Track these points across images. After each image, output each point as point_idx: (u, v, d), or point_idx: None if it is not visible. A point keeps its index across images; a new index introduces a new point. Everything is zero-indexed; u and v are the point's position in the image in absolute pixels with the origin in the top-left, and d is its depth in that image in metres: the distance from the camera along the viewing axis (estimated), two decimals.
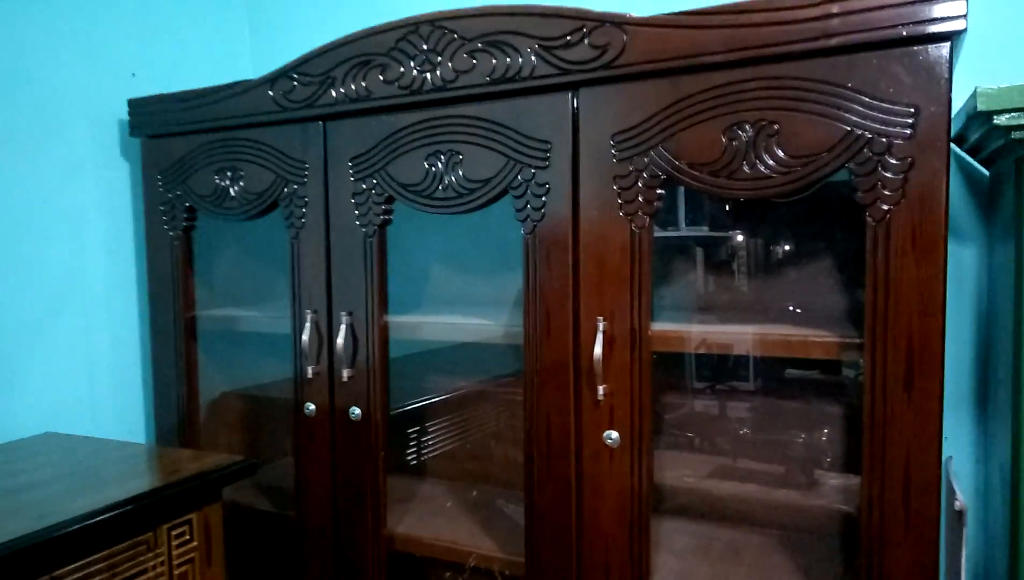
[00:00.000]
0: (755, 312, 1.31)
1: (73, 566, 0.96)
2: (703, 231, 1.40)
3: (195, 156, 1.45)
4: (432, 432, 1.70)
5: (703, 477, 1.42)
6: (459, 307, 1.48)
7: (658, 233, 1.17)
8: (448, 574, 1.64)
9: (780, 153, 0.97)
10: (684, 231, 1.39)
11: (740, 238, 1.37)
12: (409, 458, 1.68)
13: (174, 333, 1.54)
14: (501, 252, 1.52)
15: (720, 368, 1.40)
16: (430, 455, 1.69)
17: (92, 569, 0.99)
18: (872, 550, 0.97)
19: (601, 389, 1.11)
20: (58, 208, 1.48)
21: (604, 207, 1.08)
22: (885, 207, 0.92)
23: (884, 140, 0.92)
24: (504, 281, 1.50)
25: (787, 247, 1.33)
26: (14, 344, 1.41)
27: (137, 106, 1.50)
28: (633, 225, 1.07)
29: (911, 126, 0.90)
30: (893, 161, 0.91)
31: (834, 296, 1.30)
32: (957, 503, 1.00)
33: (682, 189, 1.34)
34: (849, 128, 0.93)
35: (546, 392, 1.16)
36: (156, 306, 1.56)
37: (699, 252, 1.40)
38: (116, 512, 1.00)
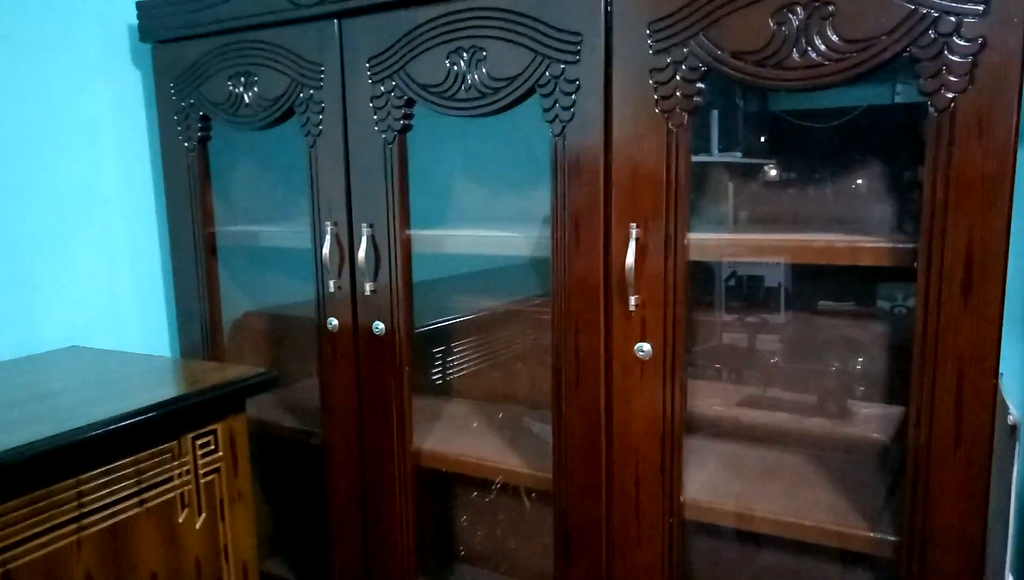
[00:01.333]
0: (797, 224, 1.25)
1: (98, 470, 0.96)
2: (736, 157, 1.33)
3: (208, 61, 1.39)
4: (458, 352, 1.67)
5: (733, 406, 1.38)
6: (484, 223, 1.43)
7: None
8: (475, 493, 1.64)
9: (834, 37, 0.88)
10: (717, 157, 1.32)
11: (773, 166, 1.30)
12: (435, 378, 1.66)
13: (194, 248, 1.51)
14: (529, 164, 1.45)
15: (751, 298, 1.35)
16: (456, 375, 1.67)
17: (117, 475, 0.98)
18: (918, 468, 0.92)
19: (633, 300, 1.06)
20: (70, 118, 1.43)
21: (639, 104, 1.01)
22: (950, 95, 0.84)
23: (952, 19, 0.83)
24: (532, 195, 1.44)
25: (824, 170, 1.26)
26: (34, 257, 1.39)
27: (146, 8, 1.43)
28: (670, 123, 0.99)
29: (984, 1, 0.81)
30: (961, 43, 0.82)
31: (879, 210, 1.22)
32: (1010, 417, 0.95)
33: (715, 114, 1.27)
34: (913, 6, 0.84)
35: (574, 304, 1.11)
36: (175, 220, 1.53)
37: (734, 177, 1.33)
38: (140, 418, 0.99)
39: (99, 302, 1.51)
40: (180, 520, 1.08)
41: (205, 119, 1.44)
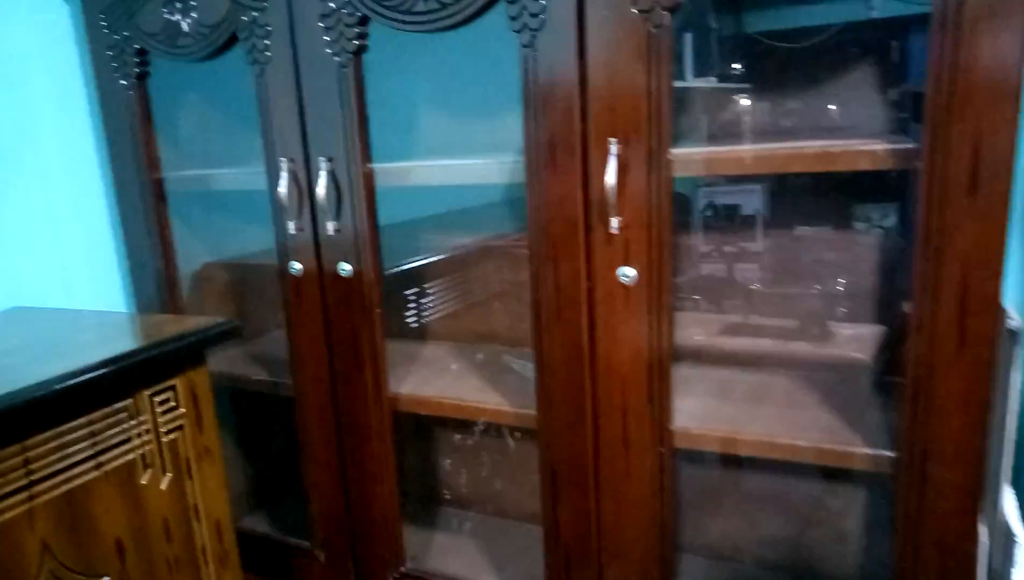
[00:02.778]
0: (786, 136, 1.18)
1: (47, 434, 0.88)
2: (712, 82, 1.26)
3: None
4: (432, 294, 1.60)
5: (716, 335, 1.33)
6: (453, 153, 1.34)
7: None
8: (458, 436, 1.59)
9: None
10: (692, 82, 1.25)
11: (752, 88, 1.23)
12: (409, 321, 1.60)
13: (141, 196, 1.41)
14: (498, 85, 1.36)
15: (728, 226, 1.29)
16: (431, 318, 1.60)
17: (69, 438, 0.91)
18: (919, 378, 0.88)
19: (615, 222, 0.99)
20: None
21: (615, 4, 0.92)
22: None
23: None
24: (504, 121, 1.35)
25: (805, 89, 1.19)
26: None
27: None
28: (650, 24, 0.91)
29: None
30: None
31: (867, 119, 1.16)
32: (1011, 321, 0.91)
33: (691, 37, 1.20)
34: None
35: (553, 231, 1.04)
36: (118, 166, 1.42)
37: (713, 100, 1.26)
38: (90, 376, 0.91)
39: (43, 258, 1.41)
40: (143, 482, 1.01)
41: (142, 53, 1.33)
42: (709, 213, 1.33)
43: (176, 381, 1.05)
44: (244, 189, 1.36)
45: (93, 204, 1.49)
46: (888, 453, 0.96)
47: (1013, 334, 0.91)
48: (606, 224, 1.00)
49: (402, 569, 1.36)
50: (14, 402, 0.84)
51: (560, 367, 1.09)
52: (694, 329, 1.34)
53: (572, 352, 1.08)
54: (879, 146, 0.89)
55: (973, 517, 0.90)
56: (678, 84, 1.22)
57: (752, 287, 1.32)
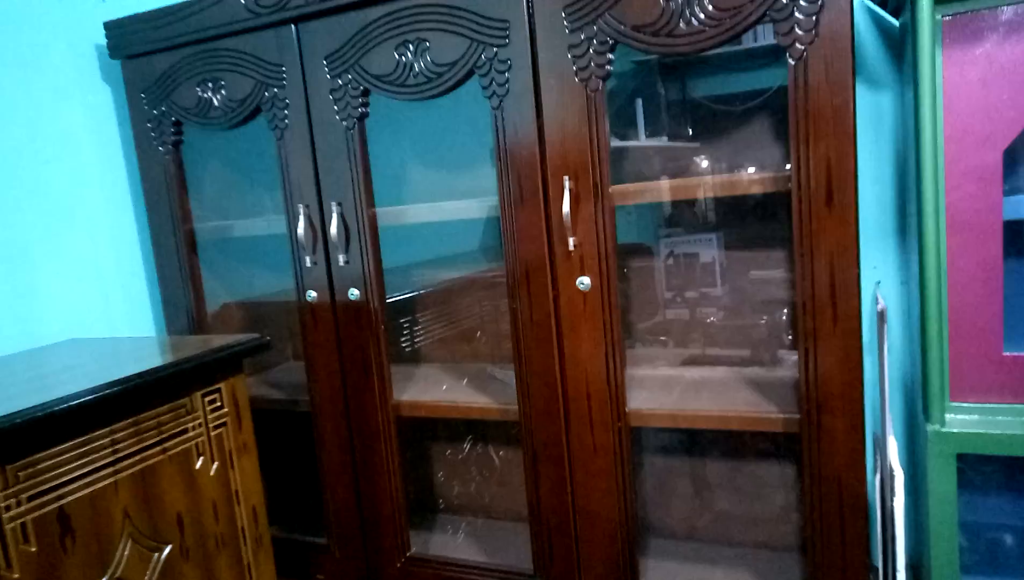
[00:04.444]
0: (706, 173, 1.46)
1: (127, 421, 1.11)
2: (663, 141, 1.52)
3: (176, 71, 1.54)
4: (424, 322, 1.84)
5: (677, 365, 1.56)
6: (440, 196, 1.61)
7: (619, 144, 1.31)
8: (449, 452, 1.82)
9: (710, 7, 1.10)
10: (644, 141, 1.51)
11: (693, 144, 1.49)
12: (404, 346, 1.84)
13: (175, 245, 1.66)
14: (475, 140, 1.64)
15: (688, 271, 1.53)
16: (423, 342, 1.84)
17: (143, 426, 1.14)
18: (808, 347, 1.14)
19: (571, 241, 1.26)
20: (50, 133, 1.57)
21: (562, 75, 1.21)
22: (801, 47, 1.06)
23: None
24: (483, 169, 1.63)
25: (731, 140, 1.45)
26: (27, 262, 1.52)
27: (113, 28, 1.57)
28: (588, 89, 1.20)
29: None
30: (805, 4, 1.05)
31: (772, 158, 1.45)
32: (879, 305, 1.18)
33: (640, 103, 1.47)
34: None
35: (524, 250, 1.30)
36: (154, 220, 1.67)
37: (658, 154, 1.51)
38: (158, 375, 1.14)
39: (89, 300, 1.65)
40: (197, 467, 1.23)
41: (177, 124, 1.59)
42: (671, 261, 1.58)
43: (221, 385, 1.28)
44: (262, 235, 1.61)
45: (130, 253, 1.74)
46: (795, 415, 1.21)
47: (881, 314, 1.18)
48: (565, 243, 1.26)
49: (408, 554, 1.56)
50: (105, 393, 1.07)
51: (536, 363, 1.34)
52: (658, 362, 1.57)
53: (544, 349, 1.33)
54: (763, 174, 1.18)
55: (860, 456, 1.15)
56: (631, 143, 1.50)
57: (709, 321, 1.55)
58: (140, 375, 1.12)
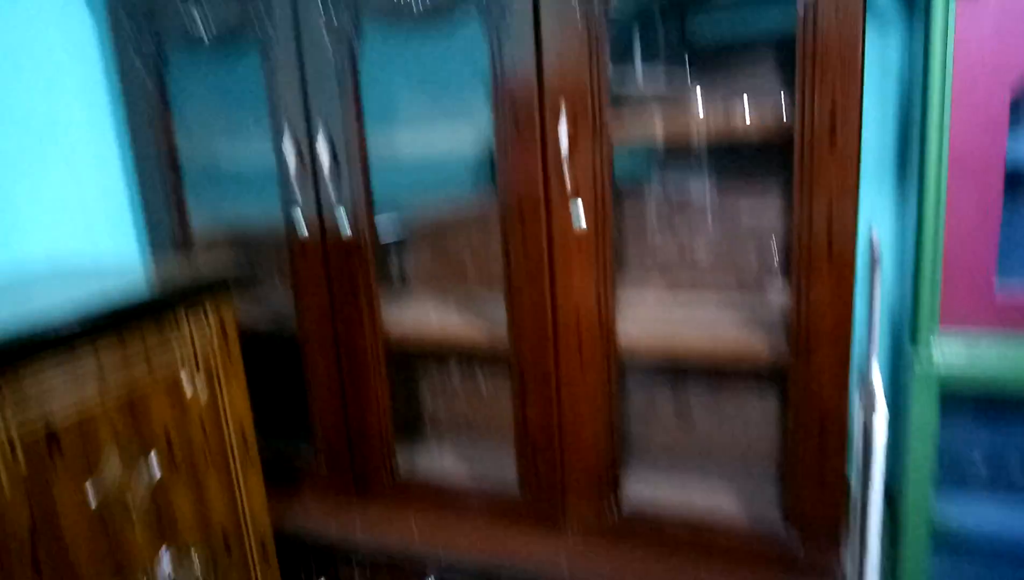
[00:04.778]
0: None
1: (113, 342, 1.10)
2: (660, 83, 1.47)
3: None
4: (415, 251, 1.83)
5: (664, 289, 1.56)
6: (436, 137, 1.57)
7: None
8: (436, 375, 1.83)
9: None
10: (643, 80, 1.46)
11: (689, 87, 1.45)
12: (393, 276, 1.82)
13: (159, 169, 1.61)
14: (474, 85, 1.59)
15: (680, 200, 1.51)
16: (413, 273, 1.83)
17: (129, 347, 1.13)
18: (801, 283, 1.15)
19: (568, 178, 1.24)
20: (30, 55, 1.52)
21: (564, 17, 1.17)
22: None
23: None
24: (475, 107, 1.58)
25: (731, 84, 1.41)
26: (7, 186, 1.49)
27: None
28: (590, 32, 1.16)
29: None
30: None
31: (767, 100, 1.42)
32: (874, 245, 1.17)
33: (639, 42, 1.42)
34: None
35: (519, 192, 1.28)
36: (138, 144, 1.62)
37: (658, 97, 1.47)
38: (145, 297, 1.13)
39: (73, 224, 1.62)
40: (184, 386, 1.23)
41: (160, 43, 1.53)
42: (664, 201, 1.55)
43: (209, 307, 1.27)
44: (250, 161, 1.57)
45: (115, 177, 1.70)
46: (784, 350, 1.22)
47: (875, 255, 1.18)
48: (562, 186, 1.25)
49: (396, 473, 1.59)
50: (91, 313, 1.05)
51: (527, 298, 1.34)
52: (647, 296, 1.57)
53: (536, 285, 1.32)
54: (763, 113, 1.15)
55: (844, 390, 1.17)
56: (630, 81, 1.46)
57: (700, 260, 1.54)
58: (127, 297, 1.11)
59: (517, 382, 1.39)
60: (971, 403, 1.26)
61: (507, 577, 1.38)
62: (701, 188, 1.50)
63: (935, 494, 1.18)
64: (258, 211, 1.76)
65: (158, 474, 1.18)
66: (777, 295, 1.45)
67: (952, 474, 1.27)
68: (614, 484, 1.39)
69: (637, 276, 1.58)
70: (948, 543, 1.24)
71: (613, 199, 1.25)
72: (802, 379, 1.19)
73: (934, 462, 1.16)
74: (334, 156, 1.42)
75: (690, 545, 1.36)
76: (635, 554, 1.38)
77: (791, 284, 1.16)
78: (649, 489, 1.48)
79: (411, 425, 1.85)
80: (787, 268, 1.45)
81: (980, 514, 1.23)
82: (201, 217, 1.74)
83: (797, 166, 1.10)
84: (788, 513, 1.27)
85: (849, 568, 1.28)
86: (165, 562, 1.21)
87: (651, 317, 1.44)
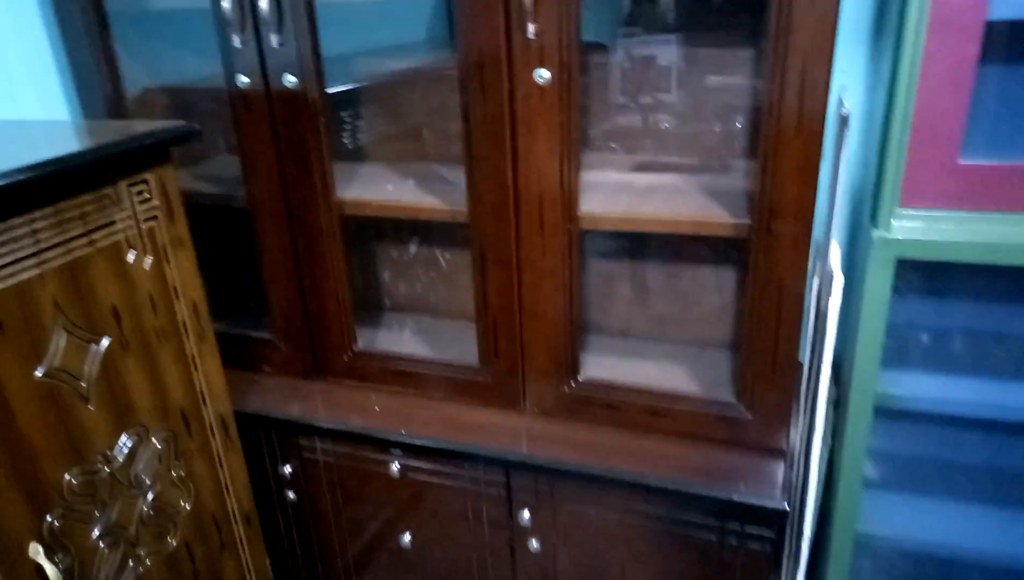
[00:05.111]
0: None
1: (49, 209, 1.03)
2: None
3: None
4: (367, 117, 1.73)
5: (628, 171, 1.51)
6: None
7: None
8: (395, 252, 1.79)
9: None
10: None
11: None
12: (346, 142, 1.74)
13: (82, 20, 1.46)
14: None
15: (644, 74, 1.43)
16: (367, 140, 1.75)
17: (64, 216, 1.06)
18: (768, 150, 1.12)
19: (531, 28, 1.15)
20: None
21: None
22: None
23: None
24: None
25: None
26: None
27: None
28: None
29: None
30: None
31: None
32: (843, 110, 1.14)
33: None
34: None
35: (478, 37, 1.19)
36: None
37: None
38: (79, 161, 1.04)
39: None
40: (130, 261, 1.17)
41: None
42: (628, 63, 1.47)
43: (149, 175, 1.18)
44: (184, 9, 1.43)
45: (34, 31, 1.54)
46: (746, 221, 1.21)
47: (844, 120, 1.15)
48: (524, 30, 1.16)
49: (354, 349, 1.59)
50: (20, 178, 0.97)
51: (487, 163, 1.28)
52: (608, 169, 1.52)
53: (497, 147, 1.26)
54: None
55: (804, 262, 1.17)
56: None
57: (664, 128, 1.48)
58: (59, 160, 1.02)
59: (478, 258, 1.36)
60: (922, 281, 1.28)
61: (468, 455, 1.42)
62: (667, 48, 1.42)
63: (880, 368, 1.22)
64: (199, 70, 1.63)
65: (105, 346, 1.15)
66: (741, 177, 1.42)
67: (898, 349, 1.32)
68: (573, 362, 1.40)
69: (600, 158, 1.52)
70: (888, 413, 1.30)
71: (579, 59, 1.18)
72: (762, 251, 1.18)
73: (883, 337, 1.19)
74: (277, 5, 1.29)
75: (645, 421, 1.40)
76: (593, 430, 1.42)
77: (758, 152, 1.13)
78: (607, 368, 1.50)
79: (370, 305, 1.83)
80: (754, 143, 1.42)
81: (921, 386, 1.29)
82: (136, 78, 1.61)
83: (773, 23, 1.04)
84: (740, 391, 1.31)
85: (795, 437, 1.35)
86: (124, 444, 1.20)
87: (614, 192, 1.40)
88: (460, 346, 1.58)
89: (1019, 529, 1.36)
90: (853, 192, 1.46)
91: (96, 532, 1.17)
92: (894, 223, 1.13)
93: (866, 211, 1.25)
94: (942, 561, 1.44)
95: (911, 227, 1.13)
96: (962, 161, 1.07)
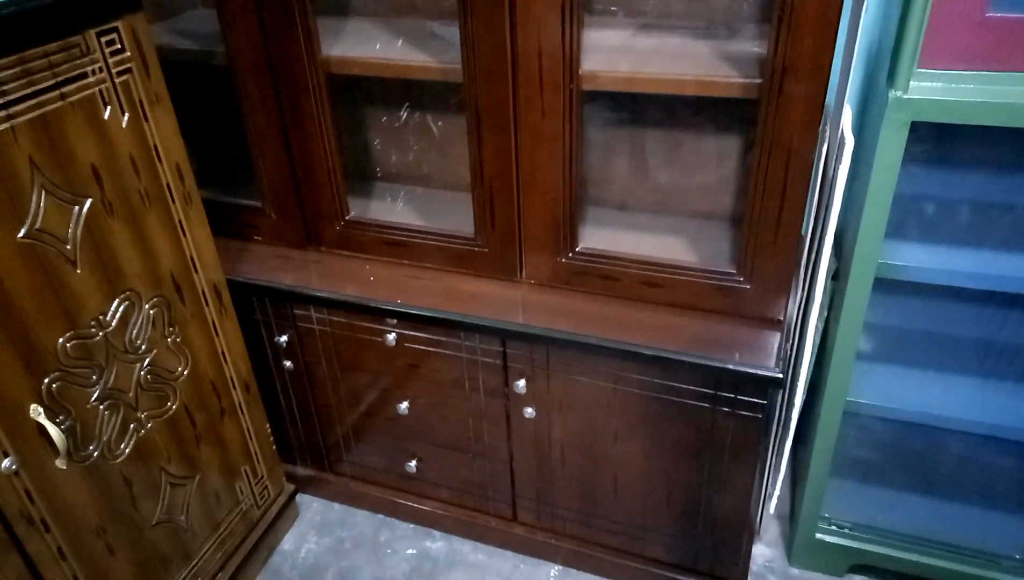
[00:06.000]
0: None
1: (12, 58, 0.96)
2: None
3: None
4: None
5: (631, 34, 1.41)
6: None
7: None
8: (385, 119, 1.71)
9: None
10: None
11: None
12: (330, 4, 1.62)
13: None
14: None
15: None
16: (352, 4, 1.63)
17: (32, 64, 0.99)
18: (785, 3, 1.04)
19: None
20: None
21: None
22: None
23: None
24: None
25: None
26: None
27: None
28: None
29: None
30: None
31: None
32: None
33: None
34: None
35: None
36: None
37: None
38: (35, 3, 0.96)
39: None
40: (106, 117, 1.11)
41: None
42: None
43: (118, 23, 1.10)
44: None
45: None
46: (756, 80, 1.15)
47: None
48: None
49: (347, 217, 1.55)
50: None
51: (483, 16, 1.20)
52: (609, 31, 1.42)
53: (494, 1, 1.17)
54: None
55: (816, 125, 1.12)
56: None
57: None
58: (17, 1, 0.94)
59: (473, 121, 1.30)
60: (931, 149, 1.23)
61: (464, 324, 1.41)
62: None
63: (883, 237, 1.20)
64: None
65: (88, 207, 1.11)
66: (749, 40, 1.33)
67: (901, 220, 1.29)
68: (572, 232, 1.37)
69: (600, 20, 1.42)
70: (886, 285, 1.29)
71: None
72: (772, 113, 1.13)
73: (889, 207, 1.15)
74: None
75: (642, 292, 1.38)
76: (590, 301, 1.41)
77: (774, 2, 1.05)
78: (605, 239, 1.47)
79: (360, 174, 1.77)
80: (763, 4, 1.32)
81: (923, 256, 1.27)
82: None
83: None
84: (740, 261, 1.29)
85: (791, 307, 1.34)
86: (116, 309, 1.18)
87: (616, 53, 1.32)
88: (455, 217, 1.55)
89: (1002, 399, 1.38)
90: (868, 55, 1.38)
91: (95, 395, 1.18)
92: (912, 83, 1.07)
93: (882, 72, 1.19)
94: (926, 429, 1.48)
95: (930, 87, 1.07)
96: (990, 13, 0.99)
